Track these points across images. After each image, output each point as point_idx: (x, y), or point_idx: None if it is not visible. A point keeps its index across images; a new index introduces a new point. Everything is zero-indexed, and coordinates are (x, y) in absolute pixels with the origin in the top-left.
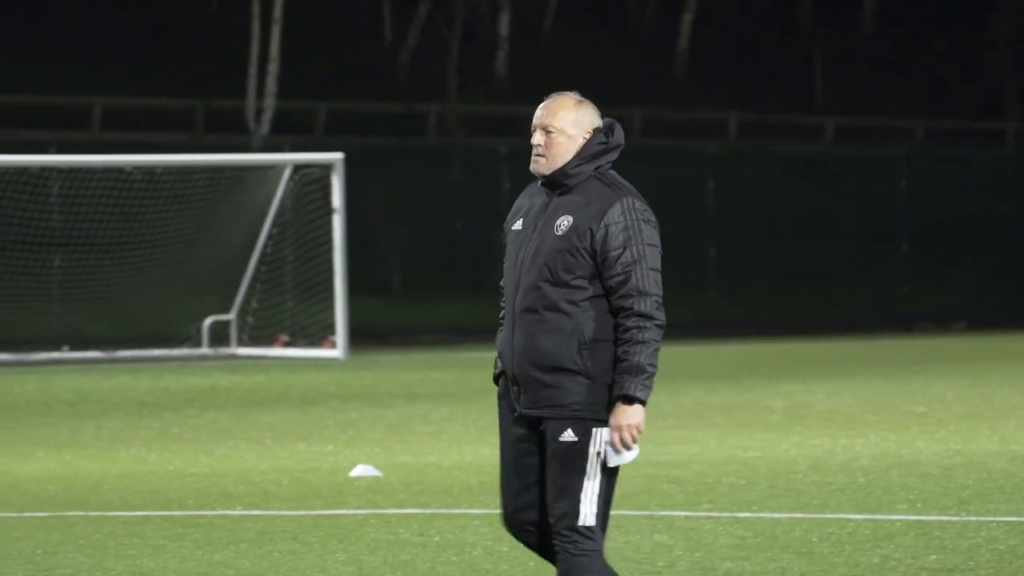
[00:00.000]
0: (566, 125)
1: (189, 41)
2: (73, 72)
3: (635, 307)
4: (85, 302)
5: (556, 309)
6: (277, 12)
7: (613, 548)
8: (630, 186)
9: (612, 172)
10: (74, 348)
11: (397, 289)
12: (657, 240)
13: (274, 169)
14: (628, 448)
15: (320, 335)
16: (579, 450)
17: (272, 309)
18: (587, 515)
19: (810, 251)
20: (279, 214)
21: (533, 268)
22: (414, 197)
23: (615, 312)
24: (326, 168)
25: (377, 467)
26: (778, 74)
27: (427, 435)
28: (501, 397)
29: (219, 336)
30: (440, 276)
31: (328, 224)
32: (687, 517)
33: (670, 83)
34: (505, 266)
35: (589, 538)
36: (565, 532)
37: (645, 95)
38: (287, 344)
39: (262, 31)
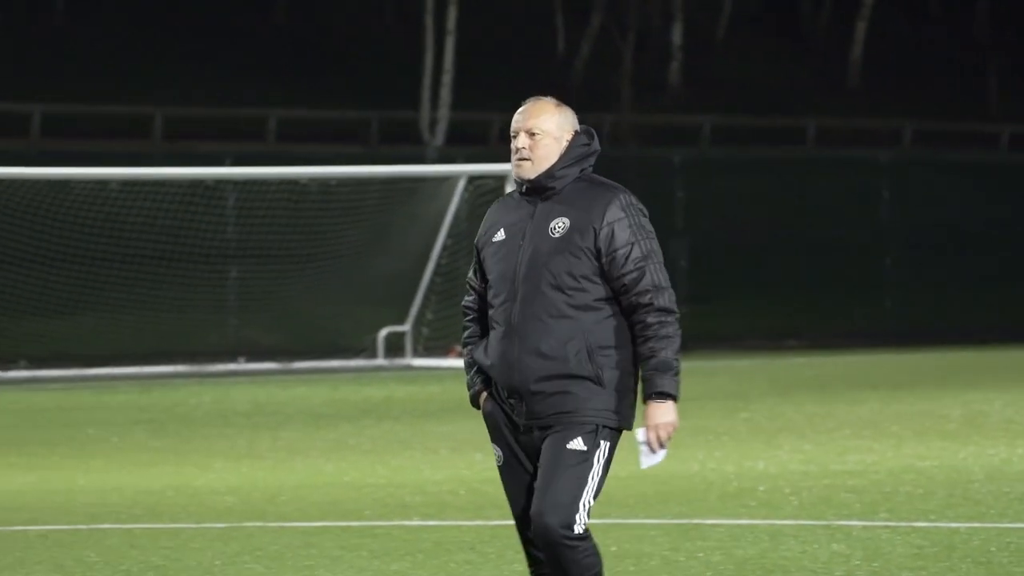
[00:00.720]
0: (551, 127)
1: (364, 53)
2: (249, 85)
3: (655, 302)
4: (261, 314)
5: (561, 315)
6: (451, 23)
7: (790, 557)
8: (619, 184)
9: (595, 174)
10: (250, 360)
11: None
12: (653, 234)
13: (448, 180)
14: (663, 447)
15: None
16: (585, 459)
17: (447, 320)
18: (581, 521)
19: (986, 259)
20: (453, 225)
21: (532, 275)
22: None
23: (631, 310)
24: (500, 179)
25: None
26: (953, 82)
27: None
28: (489, 415)
29: (394, 347)
30: None
31: None
32: (864, 527)
33: (844, 92)
34: (491, 279)
35: (586, 539)
36: (561, 531)
37: (819, 104)
38: (461, 354)
39: (436, 42)
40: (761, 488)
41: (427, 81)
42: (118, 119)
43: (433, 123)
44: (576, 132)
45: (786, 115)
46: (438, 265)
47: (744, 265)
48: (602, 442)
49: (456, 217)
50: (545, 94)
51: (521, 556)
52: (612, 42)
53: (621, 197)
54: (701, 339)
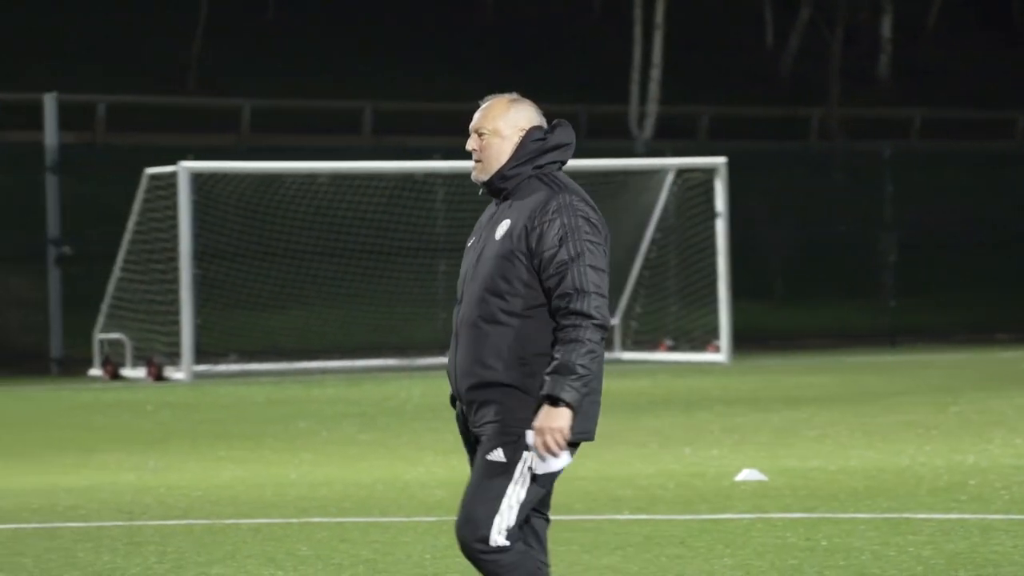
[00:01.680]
0: (499, 126)
1: (572, 47)
2: (458, 79)
3: (571, 305)
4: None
5: (495, 320)
6: (659, 17)
7: (1001, 552)
8: (574, 185)
9: (557, 173)
10: None
11: (780, 293)
12: (599, 238)
13: (657, 174)
14: (553, 454)
15: (704, 339)
16: (504, 471)
17: (656, 313)
18: (497, 533)
19: None
20: (662, 219)
21: (476, 279)
22: (796, 201)
23: (553, 313)
24: (709, 172)
25: (762, 471)
26: None
27: (811, 439)
28: (457, 420)
29: (605, 340)
30: (823, 280)
31: (711, 228)
32: None
33: None
34: (458, 283)
35: (514, 543)
36: (475, 545)
37: None
38: (671, 348)
39: (644, 36)
40: (972, 482)
41: (635, 75)
42: (328, 114)
43: (641, 117)
44: (533, 128)
45: (994, 108)
46: (646, 259)
47: (953, 258)
48: (526, 453)
49: (664, 211)
50: (752, 88)
51: (731, 550)
52: (821, 35)
53: (560, 197)
54: (910, 333)
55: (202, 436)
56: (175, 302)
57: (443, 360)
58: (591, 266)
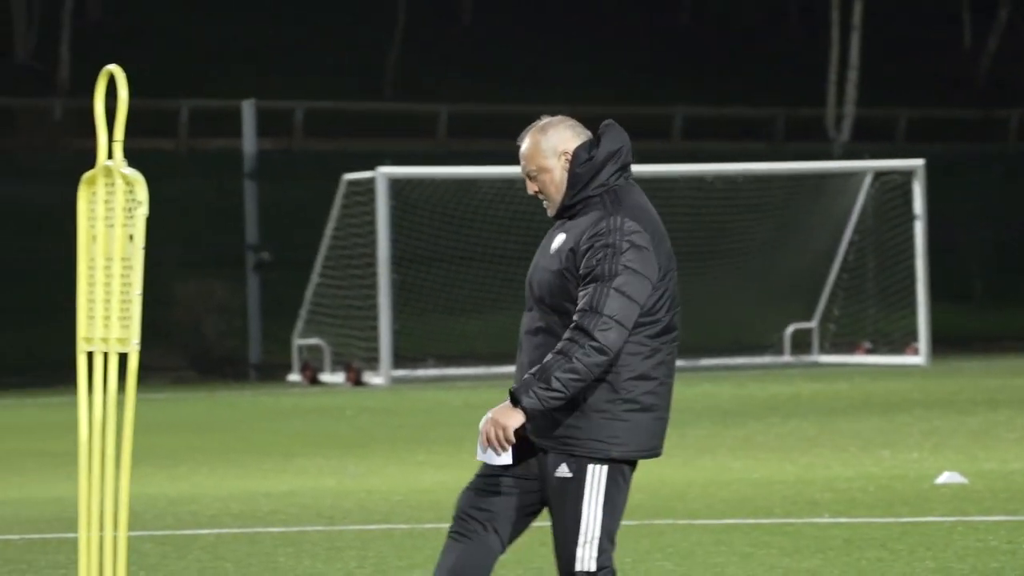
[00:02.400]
0: (542, 162)
1: (770, 50)
2: (654, 83)
3: (579, 320)
4: None
5: (551, 332)
6: (856, 19)
7: None
8: (633, 199)
9: (618, 186)
10: None
11: (978, 295)
12: (642, 264)
13: (855, 176)
14: (492, 446)
15: (902, 342)
16: (574, 488)
17: (854, 316)
18: (584, 559)
19: None
20: (860, 221)
21: (533, 291)
22: (995, 202)
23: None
24: (907, 175)
25: (962, 474)
26: None
27: (1011, 441)
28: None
29: (801, 344)
30: (1022, 281)
31: (909, 230)
32: None
33: None
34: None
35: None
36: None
37: None
38: (869, 351)
39: (841, 38)
40: None
41: (833, 77)
42: (524, 118)
43: (839, 119)
44: (576, 149)
45: None
46: (844, 261)
47: None
48: (588, 467)
49: (862, 213)
50: (950, 89)
51: (932, 553)
52: (1019, 36)
53: (611, 220)
54: None
55: (401, 441)
56: (373, 307)
57: None
58: (618, 290)
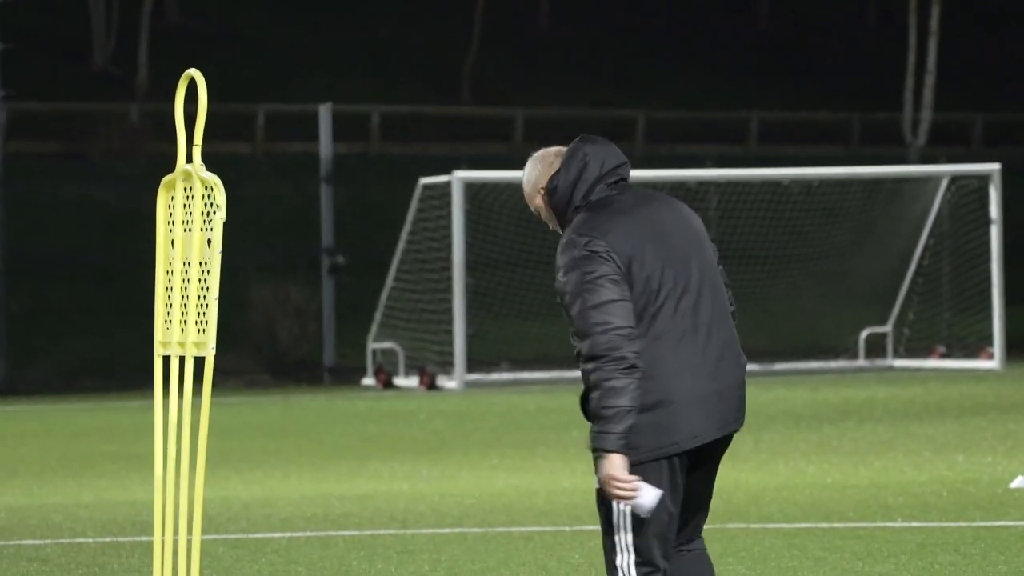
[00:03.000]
0: (534, 200)
1: (845, 54)
2: (730, 87)
3: (583, 351)
4: (742, 315)
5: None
6: (933, 23)
7: None
8: (589, 215)
9: (600, 202)
10: None
11: None
12: (590, 267)
13: (931, 181)
14: (622, 499)
15: (977, 346)
16: (601, 498)
17: (928, 320)
18: (623, 568)
19: None
20: (935, 225)
21: None
22: None
23: None
24: (983, 179)
25: None
26: None
27: None
28: None
29: (875, 348)
30: None
31: (985, 235)
32: None
33: None
34: None
35: None
36: None
37: None
38: (944, 355)
39: (918, 42)
40: None
41: (910, 81)
42: (601, 122)
43: (915, 124)
44: (547, 182)
45: None
46: (920, 266)
47: None
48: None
49: (938, 217)
50: (1018, 95)
51: (1005, 557)
52: None
53: (565, 237)
54: None
55: (475, 445)
56: (448, 311)
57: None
58: (590, 307)
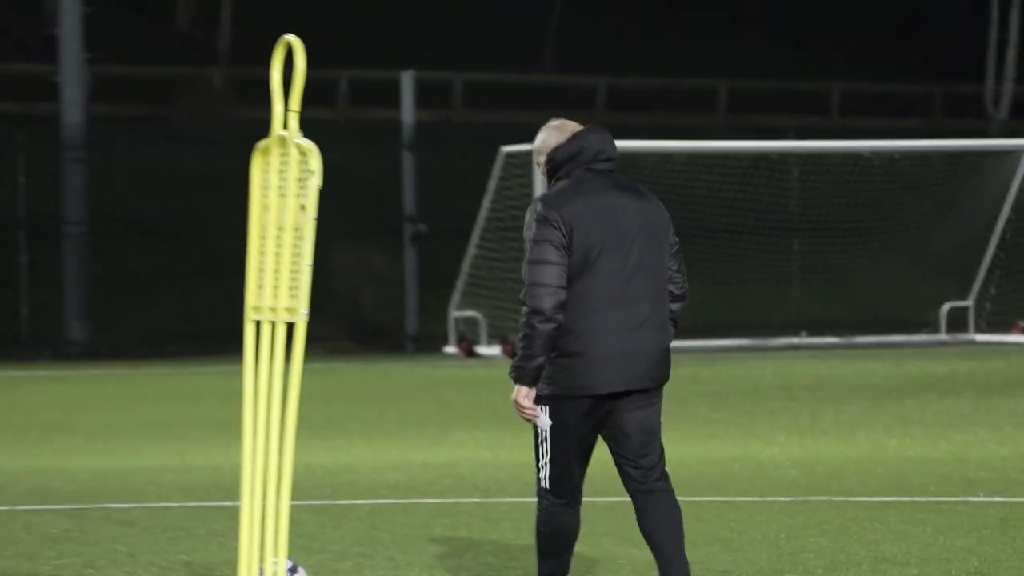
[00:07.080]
0: (537, 154)
1: (928, 26)
2: (813, 58)
3: (521, 296)
4: (823, 287)
5: None
6: None
7: None
8: (560, 189)
9: (575, 178)
10: (812, 333)
11: None
12: (544, 234)
13: (1012, 154)
14: (528, 420)
15: None
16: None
17: (1010, 295)
18: (541, 479)
19: None
20: (1018, 199)
21: None
22: None
23: None
24: None
25: None
26: None
27: None
28: None
29: (957, 322)
30: None
31: None
32: None
33: None
34: None
35: (544, 498)
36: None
37: None
38: None
39: (1001, 15)
40: None
41: (992, 54)
42: (682, 92)
43: (998, 97)
44: (554, 149)
45: None
46: (1002, 239)
47: None
48: (539, 407)
49: (1020, 191)
50: None
51: None
52: None
53: (537, 199)
54: None
55: None
56: None
57: (796, 340)
58: (529, 262)
